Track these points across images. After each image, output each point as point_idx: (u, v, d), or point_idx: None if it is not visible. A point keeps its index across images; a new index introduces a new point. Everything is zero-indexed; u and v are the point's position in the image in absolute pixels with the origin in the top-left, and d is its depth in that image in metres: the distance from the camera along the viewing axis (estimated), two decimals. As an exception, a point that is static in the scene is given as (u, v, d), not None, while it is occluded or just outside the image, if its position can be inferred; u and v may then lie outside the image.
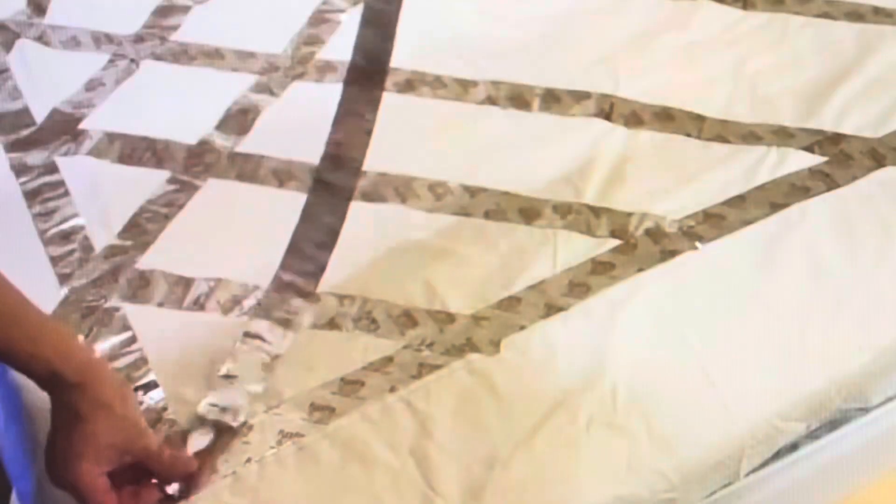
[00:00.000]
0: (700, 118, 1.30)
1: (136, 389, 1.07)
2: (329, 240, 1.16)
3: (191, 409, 1.05)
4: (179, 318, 1.13)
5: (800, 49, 1.40)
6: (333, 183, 1.16)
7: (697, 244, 1.17)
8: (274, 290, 1.14)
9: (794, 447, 1.09)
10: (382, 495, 0.98)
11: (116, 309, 1.14)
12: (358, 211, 1.22)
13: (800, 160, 1.25)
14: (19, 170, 1.29)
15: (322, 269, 1.15)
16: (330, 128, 1.18)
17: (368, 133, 1.14)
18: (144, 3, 1.52)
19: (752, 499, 1.08)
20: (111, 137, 1.33)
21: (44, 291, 1.15)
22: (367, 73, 1.21)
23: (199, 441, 1.02)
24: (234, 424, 1.03)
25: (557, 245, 1.17)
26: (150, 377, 1.08)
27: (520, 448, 1.01)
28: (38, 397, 1.06)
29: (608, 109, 1.32)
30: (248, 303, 1.13)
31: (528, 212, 1.21)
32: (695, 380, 1.06)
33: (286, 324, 1.11)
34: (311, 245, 1.17)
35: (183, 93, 1.40)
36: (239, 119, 1.35)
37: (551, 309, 1.11)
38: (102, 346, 1.10)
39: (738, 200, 1.21)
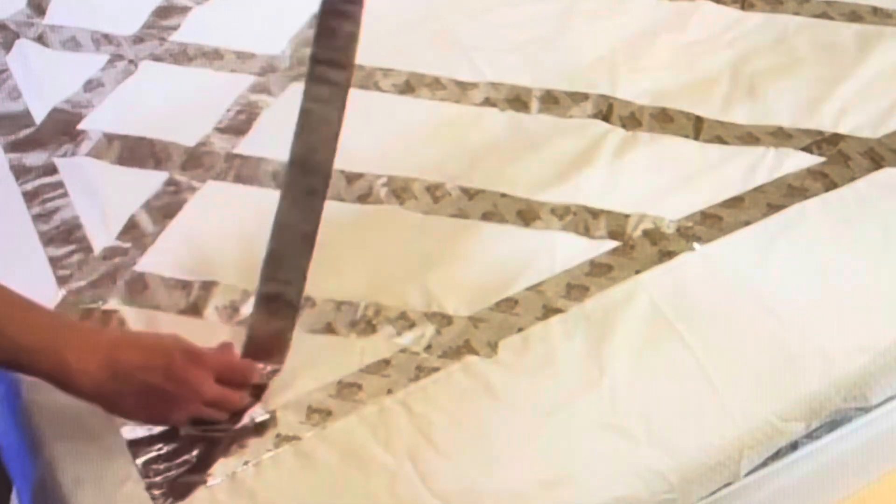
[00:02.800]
0: (698, 119, 1.30)
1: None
2: (307, 246, 1.12)
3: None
4: (177, 321, 1.13)
5: (798, 50, 1.40)
6: (305, 186, 1.15)
7: (695, 245, 1.17)
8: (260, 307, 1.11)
9: (793, 447, 1.08)
10: (380, 498, 0.98)
11: (114, 311, 1.14)
12: (356, 213, 1.22)
13: (798, 161, 1.25)
14: (18, 171, 1.30)
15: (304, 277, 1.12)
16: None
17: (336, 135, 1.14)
18: (144, 3, 1.52)
19: (752, 499, 1.08)
20: (110, 138, 1.33)
21: (42, 293, 1.16)
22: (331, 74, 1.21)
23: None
24: (231, 428, 1.04)
25: (555, 247, 1.17)
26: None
27: (518, 449, 1.01)
28: (38, 397, 1.07)
29: (606, 111, 1.32)
30: (245, 307, 1.13)
31: (526, 213, 1.21)
32: (694, 380, 1.06)
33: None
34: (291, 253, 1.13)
35: (182, 94, 1.40)
36: (238, 120, 1.35)
37: (549, 311, 1.11)
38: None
39: (737, 201, 1.21)
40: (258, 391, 1.06)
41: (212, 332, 1.12)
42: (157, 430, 1.04)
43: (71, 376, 0.96)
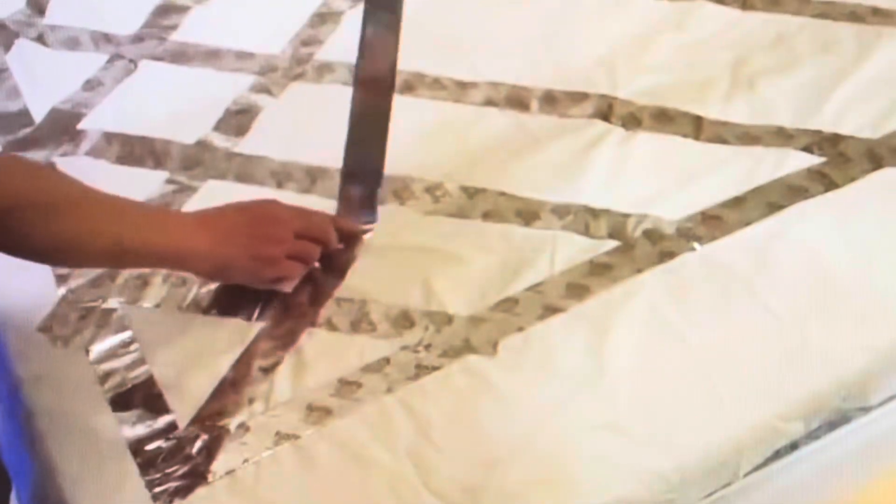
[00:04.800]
0: (698, 119, 1.30)
1: (134, 389, 1.07)
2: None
3: (190, 409, 1.05)
4: (178, 319, 1.13)
5: (798, 50, 1.39)
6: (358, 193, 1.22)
7: (695, 245, 1.17)
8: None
9: (793, 447, 1.08)
10: (379, 497, 0.98)
11: (114, 309, 1.14)
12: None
13: (798, 161, 1.25)
14: (19, 171, 1.29)
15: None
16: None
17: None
18: (143, 3, 1.52)
19: (752, 499, 1.07)
20: (109, 138, 1.33)
21: (42, 291, 1.16)
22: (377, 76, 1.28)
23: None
24: (231, 426, 1.04)
25: (556, 246, 1.17)
26: (148, 377, 1.08)
27: (518, 449, 1.01)
28: (39, 396, 1.08)
29: (606, 110, 1.31)
30: (247, 304, 1.14)
31: (527, 213, 1.21)
32: (694, 380, 1.06)
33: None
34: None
35: (181, 93, 1.40)
36: (237, 119, 1.35)
37: (549, 310, 1.11)
38: (100, 347, 1.11)
39: (737, 201, 1.21)
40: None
41: (212, 327, 1.12)
42: (158, 427, 1.04)
43: (188, 263, 1.10)
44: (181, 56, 1.45)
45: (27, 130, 1.35)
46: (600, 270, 1.15)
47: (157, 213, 1.16)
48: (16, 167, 1.04)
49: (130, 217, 1.07)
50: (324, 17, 1.49)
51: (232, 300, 1.14)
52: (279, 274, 1.13)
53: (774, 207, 1.20)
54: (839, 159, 1.25)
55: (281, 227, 1.13)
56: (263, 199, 1.17)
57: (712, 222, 1.19)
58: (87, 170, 1.28)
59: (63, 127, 1.35)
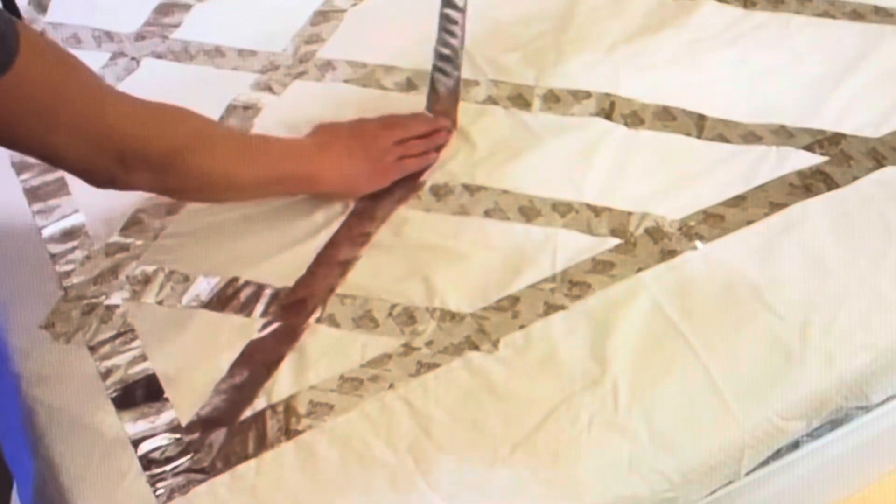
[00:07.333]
0: (700, 117, 1.30)
1: (136, 386, 1.07)
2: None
3: (191, 406, 1.06)
4: (179, 316, 1.13)
5: (800, 48, 1.39)
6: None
7: (697, 244, 1.17)
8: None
9: (794, 446, 1.09)
10: (380, 493, 0.98)
11: (116, 306, 1.14)
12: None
13: (800, 160, 1.25)
14: (20, 167, 1.30)
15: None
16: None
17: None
18: (145, 1, 1.52)
19: (753, 497, 1.08)
20: (112, 135, 1.33)
21: (44, 288, 1.17)
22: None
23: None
24: (233, 422, 1.04)
25: (557, 244, 1.17)
26: (150, 374, 1.08)
27: (519, 447, 1.01)
28: (39, 393, 1.08)
29: (609, 108, 1.31)
30: (249, 300, 1.14)
31: (528, 211, 1.21)
32: (695, 379, 1.06)
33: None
34: None
35: (183, 91, 1.39)
36: (239, 117, 1.35)
37: (551, 308, 1.11)
38: (102, 344, 1.11)
39: (739, 200, 1.21)
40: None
41: (214, 324, 1.13)
42: (160, 423, 1.04)
43: (322, 182, 1.20)
44: (183, 54, 1.45)
45: (30, 128, 1.34)
46: (602, 268, 1.15)
47: (288, 143, 1.23)
48: (175, 113, 1.11)
49: (269, 148, 1.18)
50: (326, 15, 1.49)
51: (233, 296, 1.15)
52: (403, 174, 1.24)
53: (776, 206, 1.20)
54: (841, 158, 1.25)
55: (380, 139, 1.24)
56: (351, 121, 1.27)
57: (714, 221, 1.19)
58: (89, 167, 1.29)
59: (65, 124, 1.34)
